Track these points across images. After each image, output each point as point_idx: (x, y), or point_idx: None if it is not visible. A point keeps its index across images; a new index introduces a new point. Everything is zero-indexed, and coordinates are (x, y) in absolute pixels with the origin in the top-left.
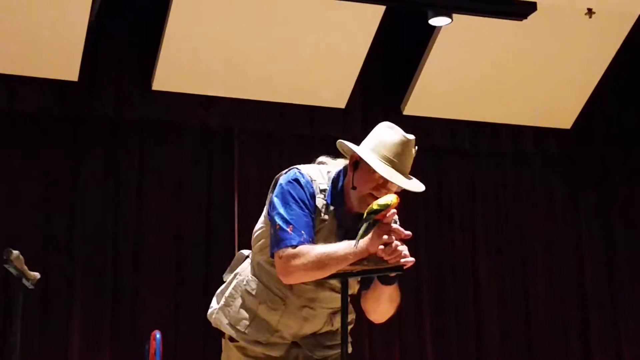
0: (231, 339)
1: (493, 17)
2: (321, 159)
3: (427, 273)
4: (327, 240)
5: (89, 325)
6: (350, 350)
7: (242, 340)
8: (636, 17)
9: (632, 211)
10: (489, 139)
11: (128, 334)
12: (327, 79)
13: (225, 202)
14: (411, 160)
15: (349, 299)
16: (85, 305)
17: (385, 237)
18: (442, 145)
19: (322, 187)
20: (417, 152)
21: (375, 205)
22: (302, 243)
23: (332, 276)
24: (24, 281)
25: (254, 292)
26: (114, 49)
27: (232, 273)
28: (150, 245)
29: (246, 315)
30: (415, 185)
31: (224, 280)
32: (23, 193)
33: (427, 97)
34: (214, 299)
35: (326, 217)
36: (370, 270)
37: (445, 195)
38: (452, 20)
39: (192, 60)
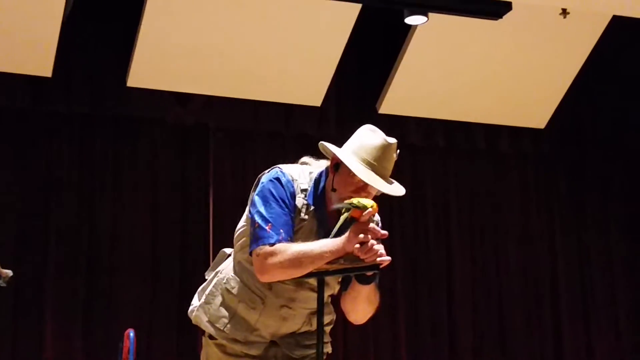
0: (211, 337)
1: (468, 17)
2: (304, 159)
3: (402, 270)
4: (306, 240)
5: (62, 323)
6: (329, 350)
7: (221, 338)
8: (610, 17)
9: (604, 210)
10: (463, 137)
11: (101, 332)
12: (303, 76)
13: (200, 198)
14: (392, 164)
15: (329, 300)
16: (58, 303)
17: (361, 236)
18: (417, 143)
19: (303, 187)
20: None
21: (355, 200)
22: (279, 241)
23: (309, 275)
24: None
25: (234, 291)
26: (88, 45)
27: (214, 271)
28: (125, 242)
29: (225, 313)
30: (395, 190)
31: (206, 278)
32: None
33: (403, 96)
34: (195, 296)
35: (306, 217)
36: (347, 269)
37: (420, 194)
38: (428, 19)
39: (167, 56)
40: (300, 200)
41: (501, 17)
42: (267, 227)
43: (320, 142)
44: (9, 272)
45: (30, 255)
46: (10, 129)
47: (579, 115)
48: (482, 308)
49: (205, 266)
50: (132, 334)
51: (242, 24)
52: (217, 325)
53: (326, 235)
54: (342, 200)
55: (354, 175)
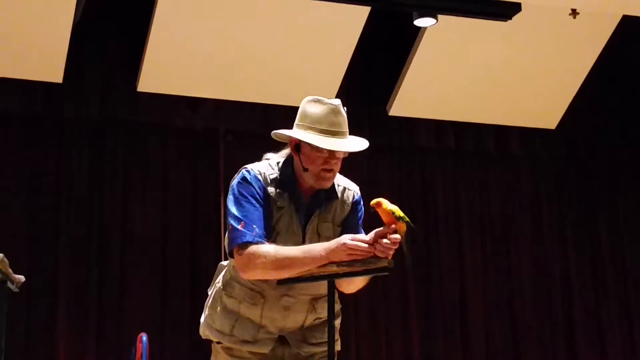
0: (218, 342)
1: (478, 18)
2: (266, 155)
3: (413, 271)
4: (289, 227)
5: (74, 327)
6: (338, 347)
7: (230, 342)
8: (620, 17)
9: (616, 210)
10: (474, 139)
11: (114, 337)
12: (312, 80)
13: (210, 203)
14: (346, 122)
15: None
16: (70, 307)
17: (356, 243)
18: (427, 145)
19: (272, 177)
20: (400, 149)
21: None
22: (254, 238)
23: (318, 278)
24: (9, 284)
25: (233, 294)
26: (99, 51)
27: (213, 284)
28: (136, 247)
29: (230, 317)
30: (359, 145)
31: (208, 293)
32: (7, 195)
33: (413, 98)
34: (202, 315)
35: (283, 205)
36: (357, 272)
37: (431, 196)
38: (437, 21)
39: (177, 61)
40: (272, 190)
41: (510, 18)
42: (239, 227)
43: (273, 131)
44: (21, 278)
45: (42, 260)
46: (22, 135)
47: (589, 116)
48: (494, 308)
49: None
50: (144, 338)
51: (250, 28)
52: (224, 331)
53: (307, 213)
54: (316, 177)
55: (318, 148)
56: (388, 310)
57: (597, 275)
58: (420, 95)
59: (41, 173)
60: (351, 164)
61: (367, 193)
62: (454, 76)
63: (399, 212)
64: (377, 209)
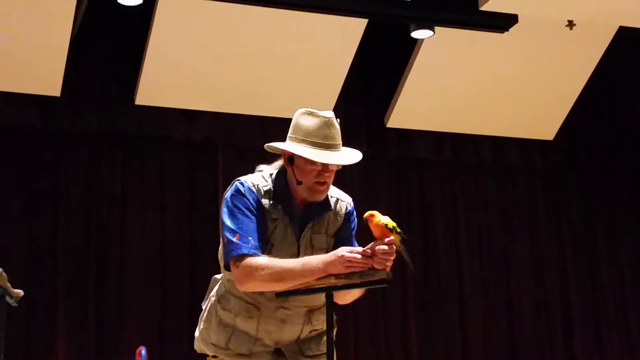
0: (214, 355)
1: (475, 30)
2: (259, 167)
3: (412, 281)
4: (284, 238)
5: (73, 342)
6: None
7: (226, 356)
8: (617, 28)
9: (613, 221)
10: (472, 150)
11: (113, 350)
12: (311, 92)
13: (209, 216)
14: (339, 134)
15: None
16: (69, 321)
17: (355, 255)
18: (425, 157)
19: (266, 189)
20: (398, 161)
21: (390, 224)
22: (250, 250)
23: (316, 290)
24: (8, 299)
25: (228, 307)
26: (97, 64)
27: (208, 298)
28: (134, 260)
29: (225, 330)
30: (353, 157)
31: (202, 307)
32: (6, 208)
33: (410, 110)
34: (197, 329)
35: (277, 216)
36: (355, 284)
37: (429, 207)
38: (434, 33)
39: (175, 74)
40: (266, 202)
41: (507, 30)
42: (234, 239)
43: (266, 144)
44: (20, 292)
45: (40, 275)
46: (20, 148)
47: (587, 127)
48: (493, 316)
49: None
50: (143, 352)
51: (248, 40)
52: (220, 345)
53: (299, 228)
54: (310, 189)
55: (311, 161)
56: (387, 321)
57: (595, 280)
58: (417, 106)
59: (39, 186)
60: (350, 176)
61: (366, 205)
62: (452, 88)
63: (391, 224)
64: (369, 223)
